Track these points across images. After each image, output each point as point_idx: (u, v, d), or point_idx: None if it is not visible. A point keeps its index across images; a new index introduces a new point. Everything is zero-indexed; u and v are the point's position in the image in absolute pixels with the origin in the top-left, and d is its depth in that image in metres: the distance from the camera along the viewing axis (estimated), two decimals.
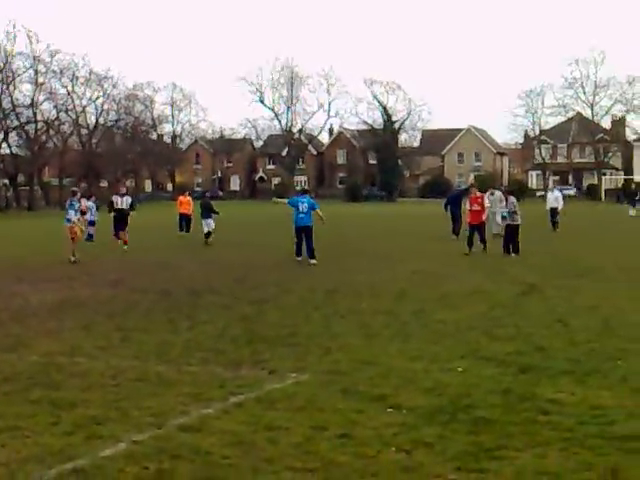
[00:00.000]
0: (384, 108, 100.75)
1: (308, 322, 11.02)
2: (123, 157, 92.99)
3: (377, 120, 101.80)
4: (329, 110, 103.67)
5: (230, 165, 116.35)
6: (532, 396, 6.99)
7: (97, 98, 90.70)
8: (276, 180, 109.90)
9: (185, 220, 31.59)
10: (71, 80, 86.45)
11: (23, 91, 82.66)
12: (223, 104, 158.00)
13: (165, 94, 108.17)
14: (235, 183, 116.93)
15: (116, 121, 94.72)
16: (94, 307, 12.81)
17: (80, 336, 10.21)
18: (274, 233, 30.97)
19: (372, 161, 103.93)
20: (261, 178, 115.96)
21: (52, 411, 6.72)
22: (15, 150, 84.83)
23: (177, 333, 10.35)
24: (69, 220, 21.42)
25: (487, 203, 22.96)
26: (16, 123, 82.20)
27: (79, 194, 23.06)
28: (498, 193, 27.17)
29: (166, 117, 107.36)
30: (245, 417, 6.48)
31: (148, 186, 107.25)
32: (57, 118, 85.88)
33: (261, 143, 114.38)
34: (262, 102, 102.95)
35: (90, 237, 28.12)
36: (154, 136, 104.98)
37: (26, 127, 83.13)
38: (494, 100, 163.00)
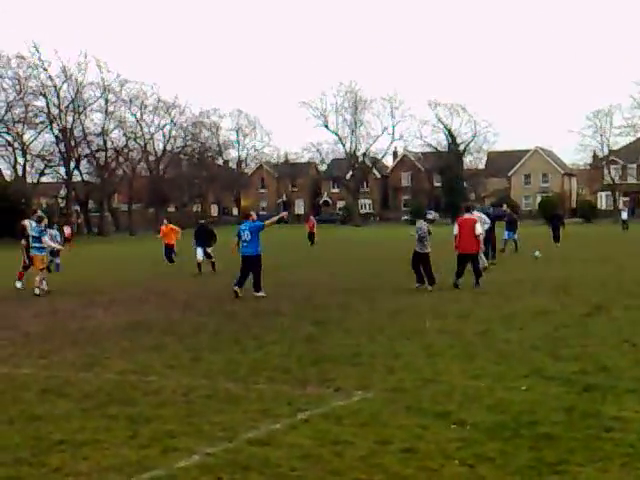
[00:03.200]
0: (449, 130, 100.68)
1: (372, 342, 11.19)
2: (190, 182, 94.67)
3: (442, 142, 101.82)
4: (393, 133, 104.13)
5: (295, 189, 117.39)
6: (596, 413, 7.05)
7: (165, 125, 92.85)
8: (340, 204, 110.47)
9: (168, 250, 29.59)
10: (140, 108, 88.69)
11: (94, 120, 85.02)
12: (287, 128, 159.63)
13: (230, 120, 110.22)
14: (300, 207, 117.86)
15: (183, 147, 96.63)
16: (164, 328, 13.21)
17: (152, 356, 10.57)
18: (335, 255, 31.20)
19: (437, 183, 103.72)
20: (325, 202, 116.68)
21: (129, 426, 7.04)
22: (86, 177, 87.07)
23: (244, 353, 10.63)
24: (43, 249, 20.17)
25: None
26: (87, 151, 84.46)
27: (46, 220, 21.20)
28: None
29: (231, 143, 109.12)
30: (312, 432, 6.70)
31: (214, 211, 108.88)
32: (126, 145, 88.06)
33: (325, 167, 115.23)
34: (326, 126, 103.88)
35: (57, 267, 27.08)
36: (220, 161, 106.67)
37: (97, 155, 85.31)
38: (561, 121, 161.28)
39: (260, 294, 17.54)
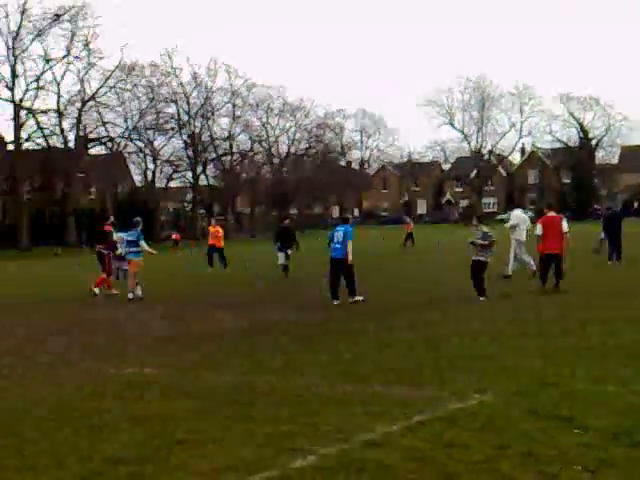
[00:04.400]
0: (580, 125, 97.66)
1: (491, 345, 10.96)
2: (312, 184, 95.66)
3: (572, 137, 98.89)
4: (521, 129, 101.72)
5: (417, 189, 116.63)
6: None
7: (289, 128, 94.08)
8: (464, 203, 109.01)
9: (215, 252, 29.28)
10: (266, 112, 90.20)
11: (221, 124, 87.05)
12: (412, 128, 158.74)
13: (355, 121, 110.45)
14: (422, 207, 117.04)
15: (307, 149, 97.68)
16: (282, 329, 13.35)
17: (270, 357, 10.69)
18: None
19: (565, 180, 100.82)
20: (448, 201, 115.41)
21: (246, 425, 7.12)
22: (212, 181, 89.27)
23: (361, 354, 10.61)
24: (139, 253, 20.06)
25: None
26: (214, 155, 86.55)
27: (141, 225, 20.61)
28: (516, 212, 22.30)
29: (355, 143, 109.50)
30: (428, 435, 6.60)
31: (335, 212, 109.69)
32: (251, 149, 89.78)
33: (449, 165, 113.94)
34: (452, 124, 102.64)
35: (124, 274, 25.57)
36: (343, 162, 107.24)
37: (222, 159, 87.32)
38: None
39: (356, 298, 16.74)
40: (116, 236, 22.29)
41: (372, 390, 8.36)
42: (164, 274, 28.84)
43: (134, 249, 19.93)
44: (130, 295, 19.28)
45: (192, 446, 6.57)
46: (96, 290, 20.63)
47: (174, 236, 53.93)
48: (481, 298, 16.32)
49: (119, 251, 21.77)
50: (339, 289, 16.97)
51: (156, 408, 7.94)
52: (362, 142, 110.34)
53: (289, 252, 25.37)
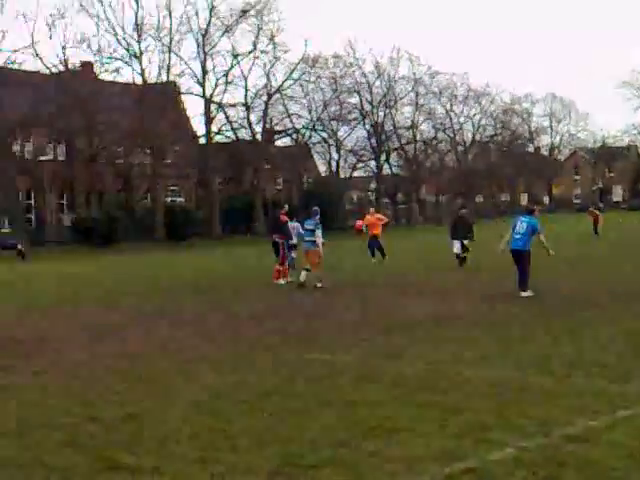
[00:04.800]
0: None
1: None
2: (498, 172, 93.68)
3: None
4: None
5: (612, 175, 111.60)
6: None
7: (474, 115, 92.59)
8: None
9: (375, 242, 27.89)
10: (449, 99, 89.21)
11: (404, 113, 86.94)
12: (606, 111, 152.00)
13: (543, 105, 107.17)
14: (617, 194, 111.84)
15: (492, 136, 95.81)
16: (473, 320, 13.13)
17: (461, 346, 10.53)
18: None
19: None
20: None
21: (439, 415, 7.03)
22: (395, 170, 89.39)
23: (557, 346, 10.25)
24: (314, 243, 19.81)
25: None
26: (397, 144, 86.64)
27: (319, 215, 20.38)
28: None
29: (544, 129, 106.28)
30: (635, 431, 6.26)
31: (523, 200, 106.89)
32: (435, 137, 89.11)
33: None
34: None
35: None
36: (531, 149, 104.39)
37: (406, 148, 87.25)
38: None
39: (525, 294, 15.98)
40: (290, 225, 22.10)
41: (570, 382, 8.06)
42: (347, 262, 29.13)
43: (311, 238, 19.83)
44: (319, 284, 19.38)
45: (386, 433, 6.57)
46: (281, 281, 20.89)
47: (358, 223, 54.13)
48: None
49: (293, 241, 21.74)
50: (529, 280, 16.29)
51: (348, 394, 8.01)
52: (551, 127, 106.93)
53: (465, 242, 24.54)
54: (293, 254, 22.57)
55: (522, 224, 16.52)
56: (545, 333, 11.32)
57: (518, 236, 16.45)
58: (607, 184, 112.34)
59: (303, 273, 19.84)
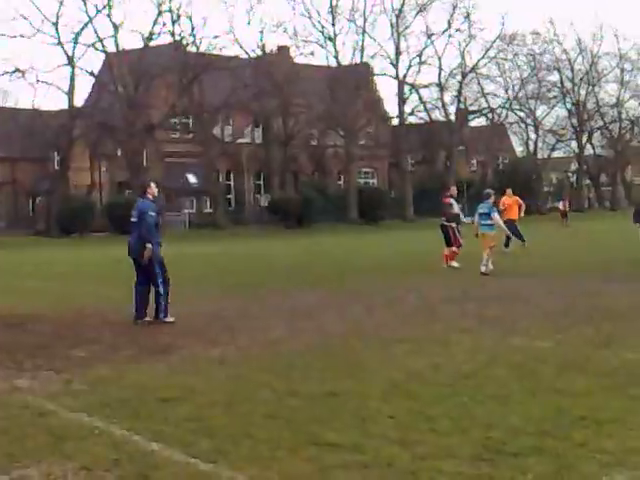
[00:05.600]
0: None
1: None
2: None
3: None
4: None
5: None
6: None
7: None
8: None
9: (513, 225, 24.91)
10: None
11: (608, 91, 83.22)
12: None
13: None
14: None
15: None
16: None
17: None
18: None
19: None
20: None
21: None
22: (598, 150, 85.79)
23: None
24: (492, 226, 19.20)
25: None
26: (600, 123, 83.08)
27: (493, 197, 19.85)
28: None
29: None
30: None
31: None
32: None
33: None
34: None
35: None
36: None
37: (610, 127, 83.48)
38: None
39: None
40: (456, 208, 21.55)
41: None
42: (546, 246, 28.25)
43: (487, 222, 19.12)
44: (483, 268, 18.60)
45: (594, 424, 6.26)
46: (454, 264, 20.35)
47: (561, 206, 52.05)
48: None
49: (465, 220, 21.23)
50: None
51: (551, 382, 7.71)
52: None
53: None
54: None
55: None
56: None
57: None
58: None
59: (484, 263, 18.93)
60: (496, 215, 19.37)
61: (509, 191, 26.74)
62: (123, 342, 10.90)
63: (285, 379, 8.19)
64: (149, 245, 12.22)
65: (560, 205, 53.66)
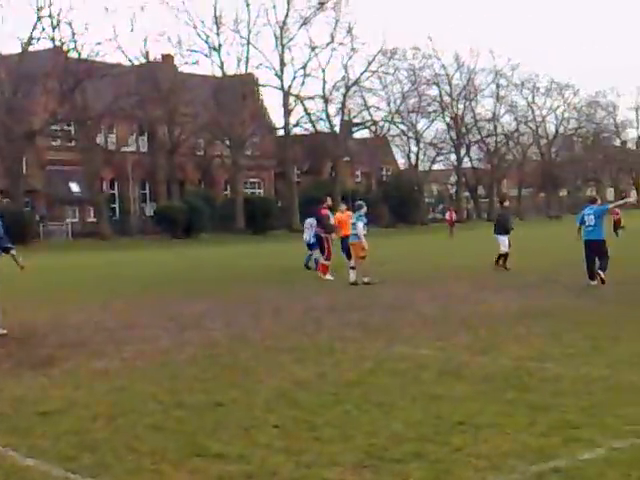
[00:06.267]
0: None
1: None
2: (583, 165, 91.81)
3: None
4: None
5: None
6: None
7: (557, 107, 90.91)
8: None
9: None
10: (532, 91, 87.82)
11: (485, 105, 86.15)
12: None
13: (630, 98, 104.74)
14: None
15: (576, 129, 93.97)
16: (559, 315, 12.86)
17: (548, 343, 10.32)
18: None
19: None
20: None
21: (527, 412, 6.89)
22: (476, 163, 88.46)
23: None
24: (357, 236, 19.10)
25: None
26: (477, 137, 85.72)
27: (365, 208, 19.60)
28: None
29: (630, 122, 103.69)
30: None
31: (610, 194, 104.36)
32: (517, 130, 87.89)
33: None
34: None
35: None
36: (617, 142, 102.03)
37: (487, 140, 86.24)
38: None
39: (603, 274, 16.75)
40: (307, 222, 22.18)
41: None
42: (427, 255, 28.93)
43: (354, 232, 19.19)
44: (366, 279, 18.81)
45: (472, 429, 6.47)
46: (327, 276, 20.42)
47: (447, 217, 53.68)
48: None
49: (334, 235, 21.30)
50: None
51: (432, 388, 7.92)
52: (638, 120, 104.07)
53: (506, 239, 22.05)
54: (315, 254, 22.43)
55: (589, 216, 17.22)
56: (636, 329, 11.02)
57: (590, 228, 17.12)
58: None
59: (351, 273, 19.29)
60: (360, 225, 19.15)
61: (342, 206, 22.58)
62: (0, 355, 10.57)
63: (170, 390, 8.13)
64: None
65: (447, 216, 55.16)
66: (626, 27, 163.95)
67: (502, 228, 21.96)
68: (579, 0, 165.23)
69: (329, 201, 22.43)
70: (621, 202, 18.05)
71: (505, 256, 21.53)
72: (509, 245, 21.79)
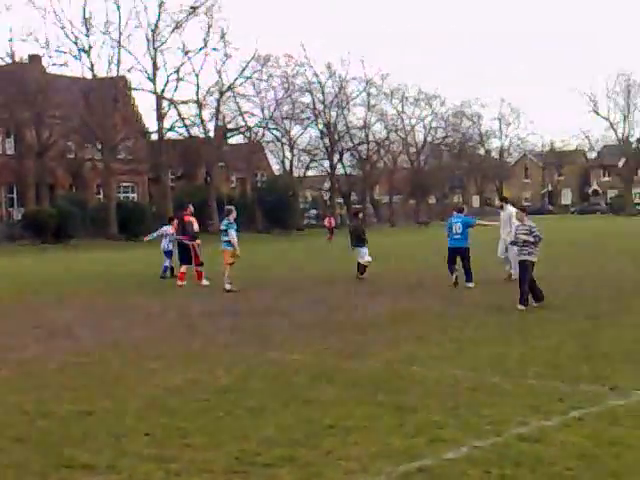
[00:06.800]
0: None
1: None
2: (450, 173, 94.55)
3: None
4: None
5: (561, 178, 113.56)
6: None
7: (425, 117, 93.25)
8: (612, 193, 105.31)
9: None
10: (401, 101, 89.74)
11: (356, 114, 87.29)
12: (553, 115, 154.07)
13: (493, 109, 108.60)
14: (566, 197, 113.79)
15: (444, 138, 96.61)
16: (427, 319, 13.24)
17: (416, 346, 10.62)
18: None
19: None
20: (595, 191, 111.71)
21: (396, 414, 7.09)
22: (349, 170, 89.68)
23: (510, 346, 10.38)
24: (230, 243, 18.95)
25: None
26: (350, 144, 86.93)
27: (234, 214, 19.47)
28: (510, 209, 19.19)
29: (494, 132, 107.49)
30: (587, 431, 6.38)
31: (475, 202, 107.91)
32: (387, 138, 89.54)
33: (595, 154, 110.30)
34: (596, 112, 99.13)
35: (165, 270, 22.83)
36: (482, 151, 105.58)
37: (359, 148, 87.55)
38: None
39: (470, 285, 17.80)
40: (160, 230, 22.04)
41: (524, 383, 8.17)
42: (303, 261, 29.11)
43: (226, 238, 19.08)
44: (228, 286, 18.64)
45: (342, 432, 6.60)
46: (204, 282, 20.11)
47: (326, 223, 54.33)
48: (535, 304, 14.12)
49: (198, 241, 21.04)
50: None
51: (304, 393, 8.02)
52: (501, 131, 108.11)
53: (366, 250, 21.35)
54: (167, 262, 22.41)
55: (457, 224, 18.33)
56: (498, 332, 11.47)
57: (457, 236, 18.25)
58: (556, 187, 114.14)
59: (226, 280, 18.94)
60: (232, 232, 18.97)
61: (191, 209, 22.06)
62: None
63: (37, 400, 7.91)
64: None
65: (326, 222, 55.68)
66: (489, 39, 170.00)
67: (358, 239, 21.60)
68: (444, 13, 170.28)
69: (191, 208, 22.21)
70: (488, 224, 19.06)
71: (365, 266, 21.15)
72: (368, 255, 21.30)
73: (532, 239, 14.18)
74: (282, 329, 12.60)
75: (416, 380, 8.47)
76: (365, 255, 21.21)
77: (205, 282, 20.30)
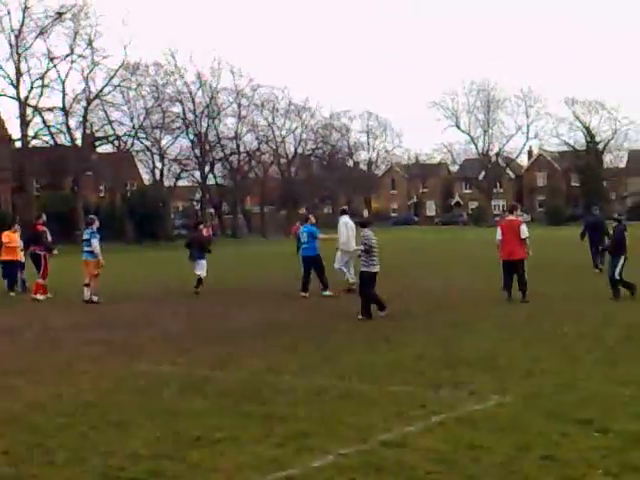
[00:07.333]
0: (587, 128, 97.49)
1: (507, 345, 10.96)
2: (320, 184, 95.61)
3: (579, 141, 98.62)
4: (528, 132, 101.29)
5: (425, 190, 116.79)
6: None
7: (296, 128, 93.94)
8: (473, 204, 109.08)
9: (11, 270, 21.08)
10: (272, 112, 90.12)
11: (227, 124, 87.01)
12: (418, 129, 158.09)
13: (361, 122, 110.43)
14: (431, 208, 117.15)
15: (314, 150, 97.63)
16: (296, 329, 13.36)
17: (285, 355, 10.70)
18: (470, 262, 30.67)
19: (574, 183, 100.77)
20: (457, 203, 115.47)
21: (264, 424, 7.12)
22: (220, 180, 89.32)
23: (377, 354, 10.61)
24: (93, 253, 18.49)
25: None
26: (221, 155, 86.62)
27: (97, 223, 19.07)
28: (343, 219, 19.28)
29: (362, 144, 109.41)
30: (447, 436, 6.60)
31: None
32: (258, 149, 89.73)
33: (457, 167, 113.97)
34: (458, 127, 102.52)
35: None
36: (350, 163, 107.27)
37: (230, 158, 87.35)
38: None
39: (327, 293, 18.35)
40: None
41: (389, 390, 8.36)
42: (169, 272, 28.78)
43: (88, 249, 18.57)
44: (95, 298, 18.24)
45: (210, 443, 6.59)
46: (39, 297, 19.24)
47: (205, 232, 53.81)
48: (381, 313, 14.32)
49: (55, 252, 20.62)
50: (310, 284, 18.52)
51: (172, 405, 7.96)
52: (369, 143, 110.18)
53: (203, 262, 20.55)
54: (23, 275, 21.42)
55: (304, 234, 19.17)
56: (366, 343, 11.68)
57: (305, 245, 19.03)
58: (421, 199, 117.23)
59: (85, 290, 18.56)
60: (95, 242, 18.45)
61: (17, 226, 21.82)
62: None
63: None
64: None
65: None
66: (356, 54, 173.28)
67: (200, 251, 20.70)
68: (310, 24, 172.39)
69: (44, 217, 21.62)
70: (328, 237, 20.12)
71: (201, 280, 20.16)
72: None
73: (363, 247, 14.56)
74: (151, 340, 12.44)
75: (284, 390, 8.54)
76: (203, 268, 20.32)
77: (40, 297, 19.26)
